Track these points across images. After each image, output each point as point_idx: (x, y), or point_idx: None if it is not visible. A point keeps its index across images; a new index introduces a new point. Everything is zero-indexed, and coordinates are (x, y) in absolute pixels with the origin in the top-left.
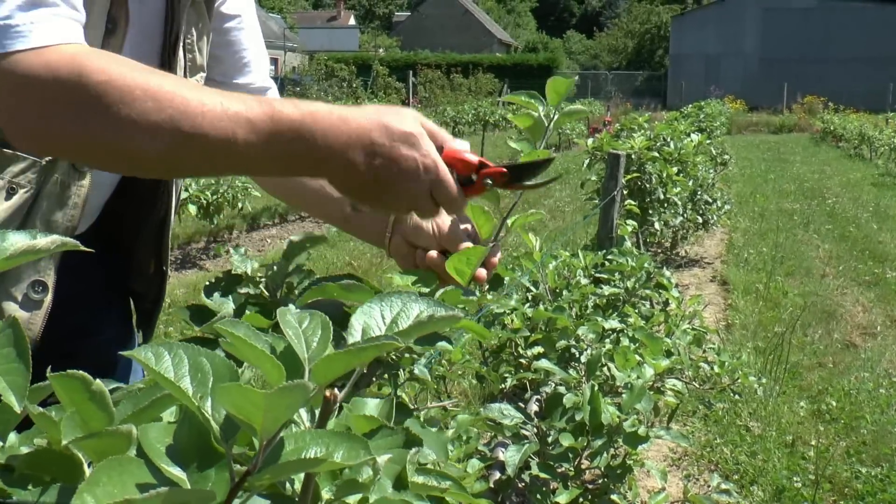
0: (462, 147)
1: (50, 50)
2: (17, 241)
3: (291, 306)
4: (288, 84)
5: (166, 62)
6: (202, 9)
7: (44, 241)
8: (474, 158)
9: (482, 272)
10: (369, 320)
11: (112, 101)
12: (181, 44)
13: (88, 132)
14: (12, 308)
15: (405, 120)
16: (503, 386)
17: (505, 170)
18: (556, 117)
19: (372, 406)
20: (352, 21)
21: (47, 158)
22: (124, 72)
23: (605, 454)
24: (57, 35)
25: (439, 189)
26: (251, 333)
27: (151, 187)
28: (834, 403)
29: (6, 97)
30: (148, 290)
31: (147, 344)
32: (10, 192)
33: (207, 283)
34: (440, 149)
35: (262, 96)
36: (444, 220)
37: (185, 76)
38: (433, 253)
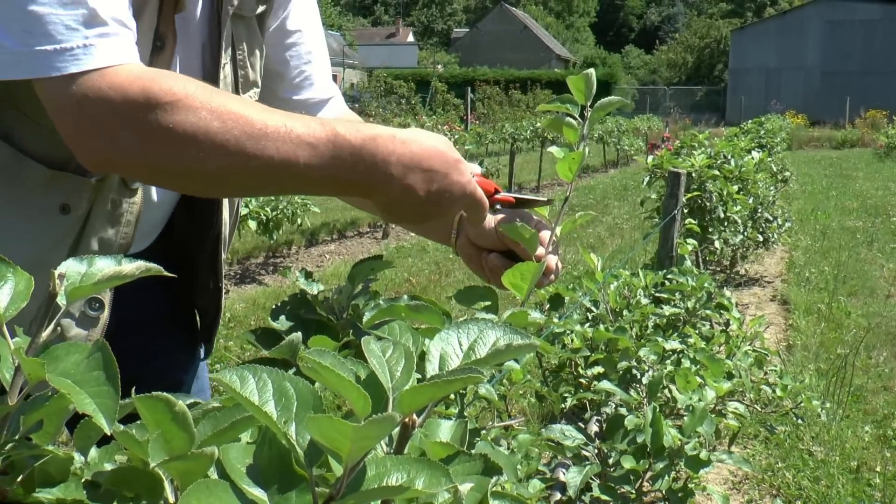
0: (477, 171)
1: (112, 71)
2: (105, 266)
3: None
4: (347, 101)
5: (209, 78)
6: (253, 23)
7: (129, 266)
8: (492, 185)
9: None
10: (447, 347)
11: (178, 121)
12: (228, 59)
13: (154, 151)
14: (69, 325)
15: (452, 148)
16: (563, 406)
17: (514, 199)
18: (589, 114)
19: (446, 429)
20: (410, 38)
21: (96, 178)
22: (190, 92)
23: (666, 477)
24: (116, 56)
25: (476, 211)
26: (337, 363)
27: (211, 204)
28: None
29: (71, 119)
30: (209, 306)
31: (232, 367)
32: (64, 211)
33: (274, 306)
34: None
35: (324, 119)
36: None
37: (237, 92)
38: (493, 256)
